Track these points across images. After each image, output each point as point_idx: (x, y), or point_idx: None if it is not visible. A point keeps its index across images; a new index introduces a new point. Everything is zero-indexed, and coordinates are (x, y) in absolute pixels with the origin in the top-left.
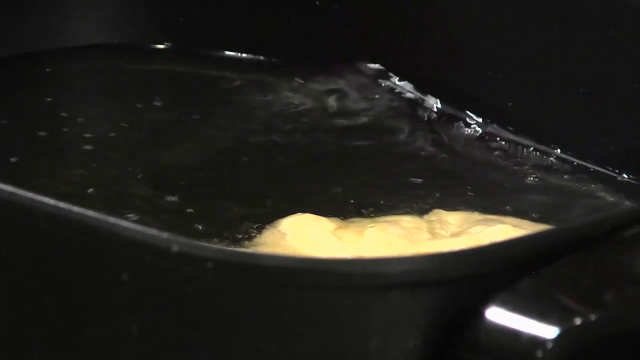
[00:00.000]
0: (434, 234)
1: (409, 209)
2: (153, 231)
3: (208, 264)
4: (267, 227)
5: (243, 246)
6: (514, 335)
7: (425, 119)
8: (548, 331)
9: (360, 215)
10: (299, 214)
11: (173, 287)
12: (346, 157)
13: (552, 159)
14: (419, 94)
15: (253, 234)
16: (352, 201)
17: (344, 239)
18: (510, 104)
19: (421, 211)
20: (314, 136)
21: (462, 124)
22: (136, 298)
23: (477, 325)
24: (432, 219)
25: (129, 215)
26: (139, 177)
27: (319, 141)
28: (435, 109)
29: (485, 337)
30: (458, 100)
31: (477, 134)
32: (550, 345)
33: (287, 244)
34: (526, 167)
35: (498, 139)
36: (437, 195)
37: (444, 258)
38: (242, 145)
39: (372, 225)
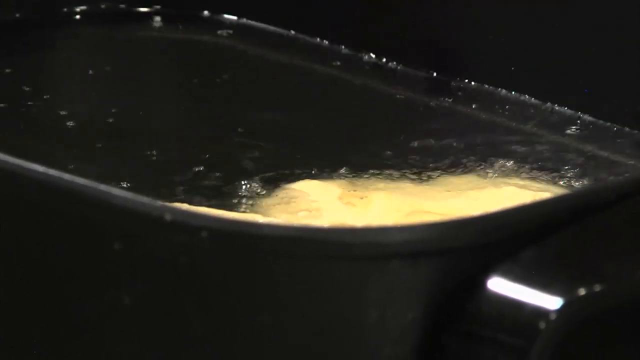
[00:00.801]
0: (439, 198)
1: (416, 172)
2: (145, 199)
3: (203, 233)
4: (272, 192)
5: (244, 214)
6: (517, 306)
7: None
8: (551, 302)
9: (368, 178)
10: (306, 180)
11: (167, 258)
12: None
13: (565, 118)
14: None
15: (255, 201)
16: (361, 163)
17: (350, 206)
18: (513, 67)
19: (428, 175)
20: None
21: (464, 87)
22: (128, 269)
23: (479, 297)
24: (438, 182)
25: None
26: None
27: (329, 102)
28: (434, 75)
29: (486, 309)
30: (460, 65)
31: (484, 96)
32: (553, 317)
33: (291, 211)
34: (536, 127)
35: (506, 100)
36: (446, 157)
37: (446, 227)
38: (243, 113)
39: (379, 190)
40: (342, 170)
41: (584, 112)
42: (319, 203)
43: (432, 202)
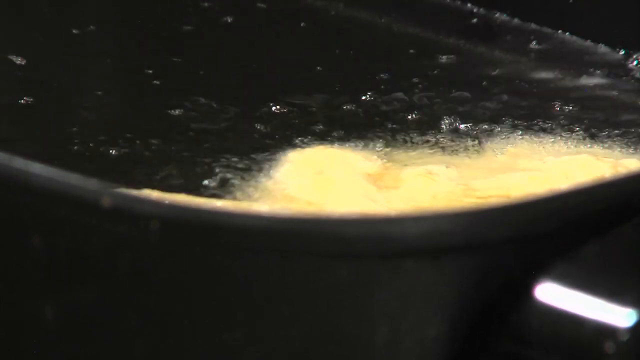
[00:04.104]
0: (490, 174)
1: (463, 141)
2: (75, 178)
3: (152, 224)
4: (272, 165)
5: (231, 195)
6: (575, 322)
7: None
8: (622, 316)
9: (406, 150)
10: (319, 146)
11: (103, 255)
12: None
13: None
14: None
15: (242, 178)
16: (397, 130)
17: (378, 186)
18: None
19: (477, 142)
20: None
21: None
22: (51, 271)
23: (524, 308)
24: (489, 152)
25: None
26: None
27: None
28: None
29: (534, 324)
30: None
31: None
32: (624, 337)
33: (298, 193)
34: (615, 82)
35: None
36: (501, 120)
37: (478, 215)
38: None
39: (416, 165)
40: (374, 140)
41: None
42: (334, 178)
43: (482, 180)
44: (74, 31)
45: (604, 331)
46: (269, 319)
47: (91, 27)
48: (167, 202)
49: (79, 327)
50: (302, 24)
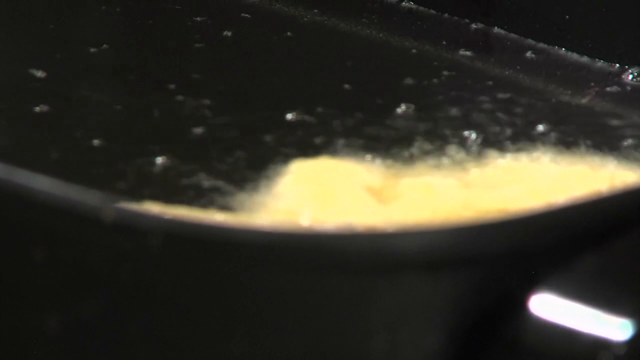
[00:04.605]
0: (495, 187)
1: (461, 152)
2: (78, 191)
3: (154, 239)
4: (273, 177)
5: (231, 208)
6: (570, 334)
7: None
8: (618, 329)
9: (397, 155)
10: (320, 158)
11: (105, 270)
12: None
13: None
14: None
15: (244, 190)
16: (400, 141)
17: (379, 199)
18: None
19: (483, 155)
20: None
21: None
22: (53, 285)
23: (519, 320)
24: (495, 164)
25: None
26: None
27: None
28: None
29: (531, 336)
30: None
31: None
32: (620, 349)
33: (298, 205)
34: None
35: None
36: (504, 132)
37: (475, 230)
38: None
39: (414, 178)
40: (375, 153)
41: None
42: (334, 190)
43: (481, 193)
44: (91, 50)
45: (600, 344)
46: (268, 332)
47: (105, 45)
48: (167, 216)
49: (81, 340)
50: (300, 37)
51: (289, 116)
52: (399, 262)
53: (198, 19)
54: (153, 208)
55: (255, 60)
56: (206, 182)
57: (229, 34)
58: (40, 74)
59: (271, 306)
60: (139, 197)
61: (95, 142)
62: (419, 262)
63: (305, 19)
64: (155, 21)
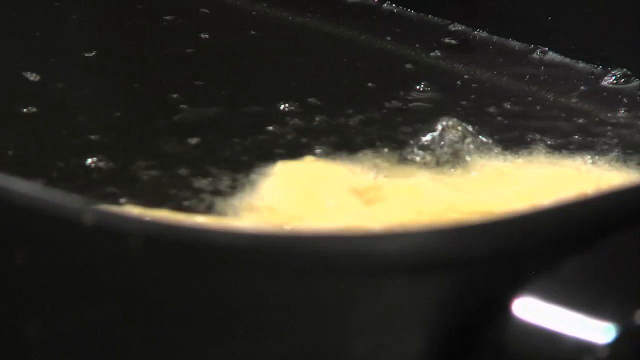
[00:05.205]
0: (478, 191)
1: (446, 154)
2: (58, 196)
3: (134, 242)
4: (258, 178)
5: (215, 209)
6: (553, 337)
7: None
8: (602, 331)
9: (382, 157)
10: (306, 159)
11: (86, 273)
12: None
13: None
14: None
15: (229, 191)
16: (384, 143)
17: (363, 201)
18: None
19: (466, 159)
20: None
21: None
22: (33, 289)
23: (503, 323)
24: (478, 168)
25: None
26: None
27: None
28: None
29: (514, 340)
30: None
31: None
32: (604, 352)
33: (282, 207)
34: (589, 100)
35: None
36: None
37: (457, 232)
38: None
39: (399, 180)
40: (360, 155)
41: None
42: (319, 192)
43: (467, 196)
44: (85, 54)
45: (583, 347)
46: (250, 335)
47: (103, 51)
48: (148, 219)
49: (62, 345)
50: (289, 41)
51: (273, 117)
52: (383, 265)
53: (168, 17)
54: (134, 211)
55: (232, 60)
56: (190, 184)
57: (207, 36)
58: (34, 77)
59: (254, 309)
60: (122, 200)
61: (82, 144)
62: (402, 264)
63: (291, 20)
64: (132, 23)
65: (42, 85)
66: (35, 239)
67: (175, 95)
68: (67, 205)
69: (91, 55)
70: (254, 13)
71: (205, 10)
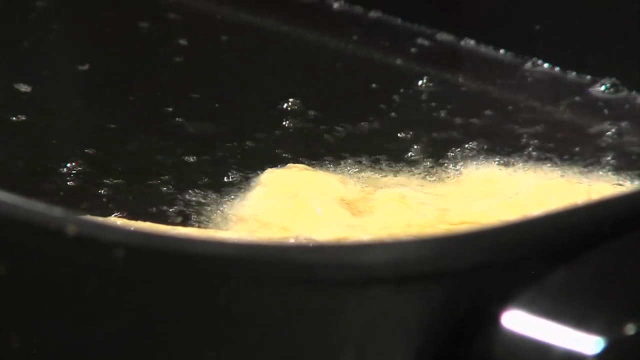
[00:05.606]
0: (468, 202)
1: (436, 165)
2: (41, 206)
3: (118, 252)
4: (244, 187)
5: (201, 220)
6: (541, 350)
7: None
8: (589, 343)
9: (383, 173)
10: (293, 168)
11: (69, 284)
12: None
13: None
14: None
15: (215, 201)
16: (375, 153)
17: (352, 212)
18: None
19: (456, 170)
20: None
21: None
22: (16, 300)
23: (490, 336)
24: (469, 178)
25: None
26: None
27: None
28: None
29: (502, 351)
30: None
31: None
32: None
33: (270, 217)
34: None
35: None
36: (478, 148)
37: (444, 243)
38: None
39: (388, 190)
40: (349, 164)
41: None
42: (306, 201)
43: (456, 206)
44: (79, 67)
45: (572, 359)
46: (236, 345)
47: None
48: (131, 229)
49: (46, 356)
50: (274, 52)
51: (261, 126)
52: (369, 276)
53: (144, 24)
54: (117, 221)
55: (223, 73)
56: (176, 195)
57: (185, 42)
58: (25, 88)
59: (238, 320)
60: (109, 210)
61: (69, 154)
62: (388, 275)
63: (281, 31)
64: (112, 30)
65: (32, 95)
66: (18, 248)
67: (170, 108)
68: (52, 215)
69: (84, 68)
70: (218, 17)
71: (174, 15)
